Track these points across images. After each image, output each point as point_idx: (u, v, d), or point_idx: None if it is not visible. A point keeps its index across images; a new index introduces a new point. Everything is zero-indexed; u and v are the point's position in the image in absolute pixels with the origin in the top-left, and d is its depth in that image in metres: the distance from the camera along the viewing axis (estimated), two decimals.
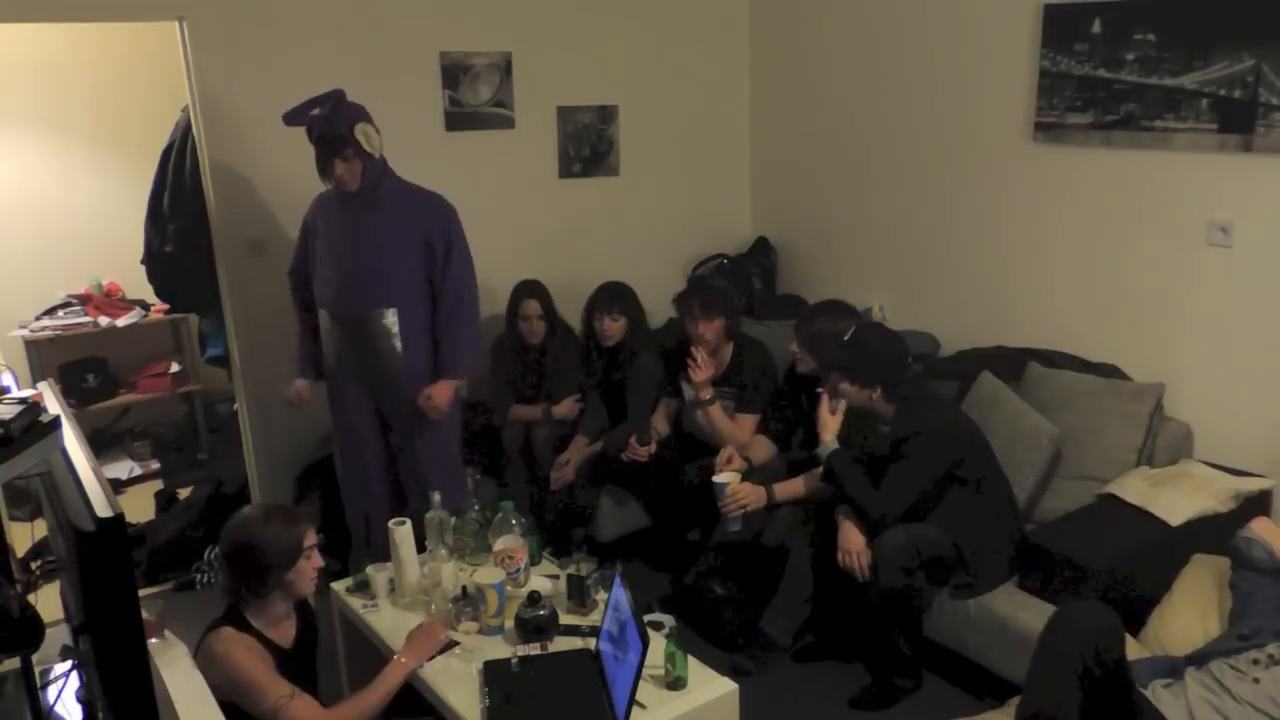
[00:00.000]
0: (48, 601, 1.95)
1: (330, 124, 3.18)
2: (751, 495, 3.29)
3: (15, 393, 1.89)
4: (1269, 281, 3.24)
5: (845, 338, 3.14)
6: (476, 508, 3.20)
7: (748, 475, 3.44)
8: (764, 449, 3.71)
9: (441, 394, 3.34)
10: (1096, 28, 3.50)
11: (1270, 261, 3.23)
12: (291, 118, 3.22)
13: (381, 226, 3.30)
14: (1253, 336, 3.31)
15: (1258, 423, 3.33)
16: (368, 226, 3.30)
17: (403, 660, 2.58)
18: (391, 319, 3.32)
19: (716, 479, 3.33)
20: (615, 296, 4.12)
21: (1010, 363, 3.75)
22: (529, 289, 4.12)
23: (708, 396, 3.70)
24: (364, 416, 3.50)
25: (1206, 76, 3.24)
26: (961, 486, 3.06)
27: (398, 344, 3.35)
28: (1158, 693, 2.40)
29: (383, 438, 3.56)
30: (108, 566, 1.36)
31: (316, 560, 2.50)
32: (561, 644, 2.71)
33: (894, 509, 3.05)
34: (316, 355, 3.53)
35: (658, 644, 2.54)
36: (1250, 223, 3.26)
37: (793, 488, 3.38)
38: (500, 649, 2.70)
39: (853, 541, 3.06)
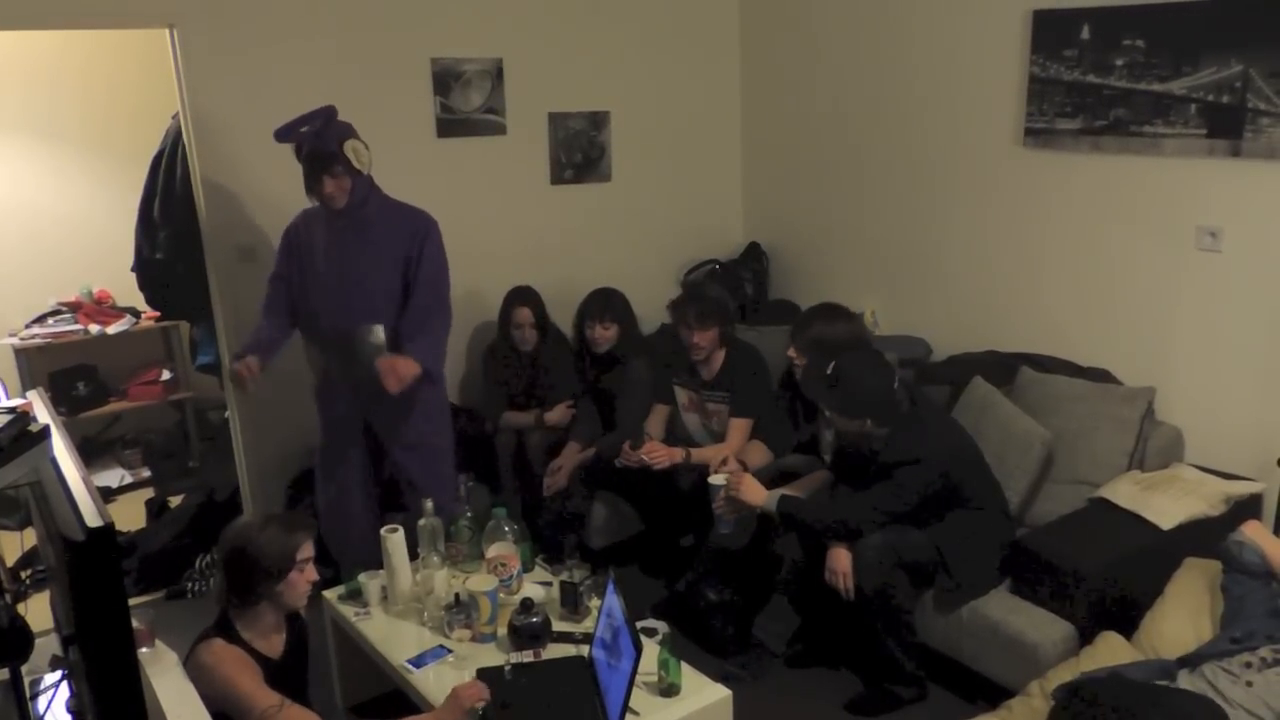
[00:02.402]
0: (37, 611, 1.94)
1: (320, 141, 3.17)
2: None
3: (5, 401, 1.88)
4: (1258, 285, 3.26)
5: (828, 371, 3.12)
6: (469, 514, 3.20)
7: None
8: (760, 454, 3.72)
9: (405, 367, 3.21)
10: (1085, 34, 3.52)
11: (1259, 265, 3.25)
12: (282, 134, 3.22)
13: (367, 244, 3.29)
14: (1242, 340, 3.33)
15: (1248, 426, 3.34)
16: (354, 244, 3.29)
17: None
18: (379, 334, 3.31)
19: (712, 480, 3.33)
20: (607, 304, 4.12)
21: (1001, 367, 3.76)
22: (520, 297, 4.12)
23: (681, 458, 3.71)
24: (352, 430, 3.49)
25: (1195, 82, 3.26)
26: (956, 505, 3.07)
27: (385, 357, 3.33)
28: None
29: (368, 450, 3.54)
30: (97, 576, 1.35)
31: (311, 574, 2.48)
32: (555, 651, 2.71)
33: (871, 524, 3.04)
34: (274, 343, 3.45)
35: (651, 651, 2.54)
36: (1239, 227, 3.28)
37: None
38: (493, 656, 2.70)
39: (840, 562, 3.05)
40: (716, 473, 3.44)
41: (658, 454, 3.63)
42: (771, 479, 3.54)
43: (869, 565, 2.99)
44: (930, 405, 3.30)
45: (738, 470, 3.36)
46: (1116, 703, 2.24)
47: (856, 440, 3.21)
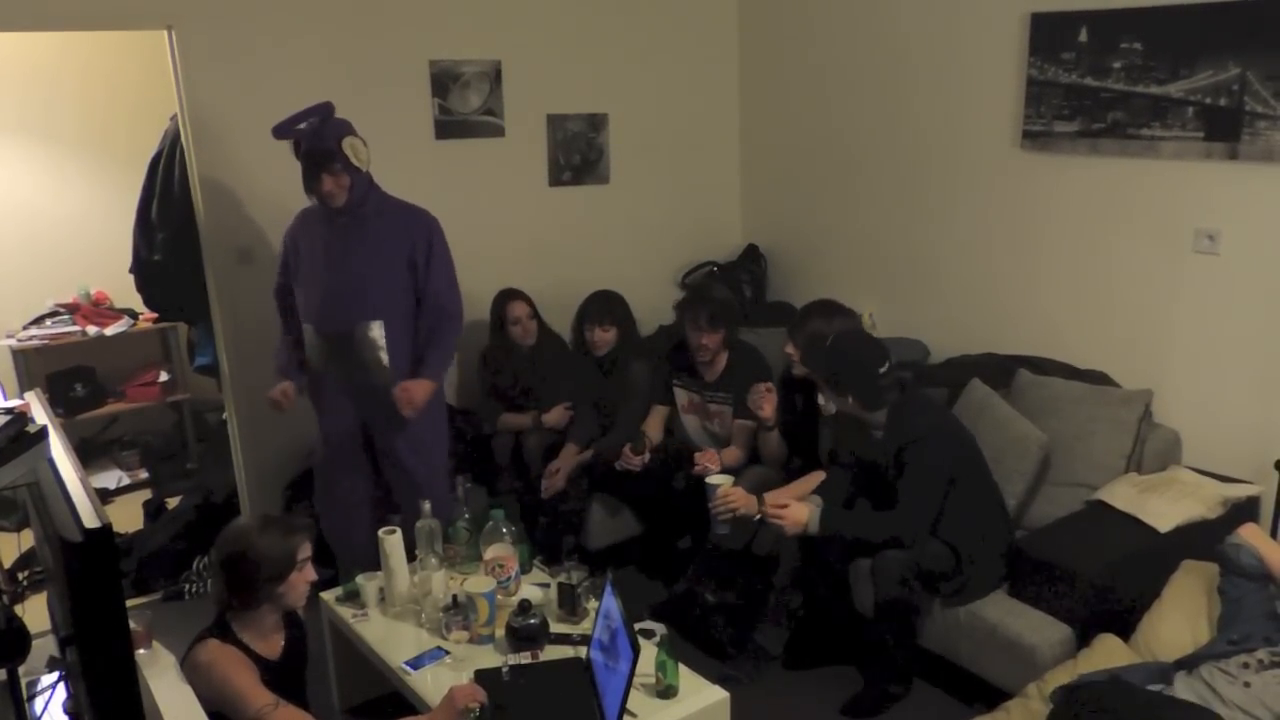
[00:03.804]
0: (35, 612, 1.94)
1: (319, 138, 3.16)
2: (742, 500, 3.28)
3: (2, 403, 1.88)
4: (1255, 288, 3.26)
5: (828, 343, 3.15)
6: (467, 516, 3.20)
7: (738, 482, 3.43)
8: (775, 447, 3.72)
9: (420, 390, 3.29)
10: (1083, 36, 3.52)
11: (1256, 268, 3.25)
12: (279, 131, 3.20)
13: (366, 242, 3.28)
14: (1240, 343, 3.33)
15: (1245, 429, 3.34)
16: (354, 242, 3.28)
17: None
18: (377, 331, 3.30)
19: (709, 480, 3.33)
20: (607, 307, 4.12)
21: (999, 370, 3.76)
22: (512, 293, 4.14)
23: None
24: (349, 429, 3.48)
25: (1192, 85, 3.27)
26: (956, 489, 3.07)
27: (384, 356, 3.33)
28: None
29: (366, 450, 3.54)
30: (95, 577, 1.35)
31: (309, 574, 2.49)
32: (552, 653, 2.71)
33: (920, 524, 3.03)
34: (300, 360, 3.51)
35: (649, 652, 2.54)
36: (1236, 230, 3.28)
37: (785, 496, 3.37)
38: (491, 658, 2.70)
39: (797, 514, 3.08)
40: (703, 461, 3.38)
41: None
42: (773, 480, 3.56)
43: (889, 576, 2.99)
44: (925, 398, 3.30)
45: (777, 503, 3.20)
46: (1118, 711, 2.24)
47: (853, 434, 3.21)
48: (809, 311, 3.63)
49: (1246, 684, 2.34)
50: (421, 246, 3.31)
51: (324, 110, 3.21)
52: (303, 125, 3.19)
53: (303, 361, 3.49)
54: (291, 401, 3.42)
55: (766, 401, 3.57)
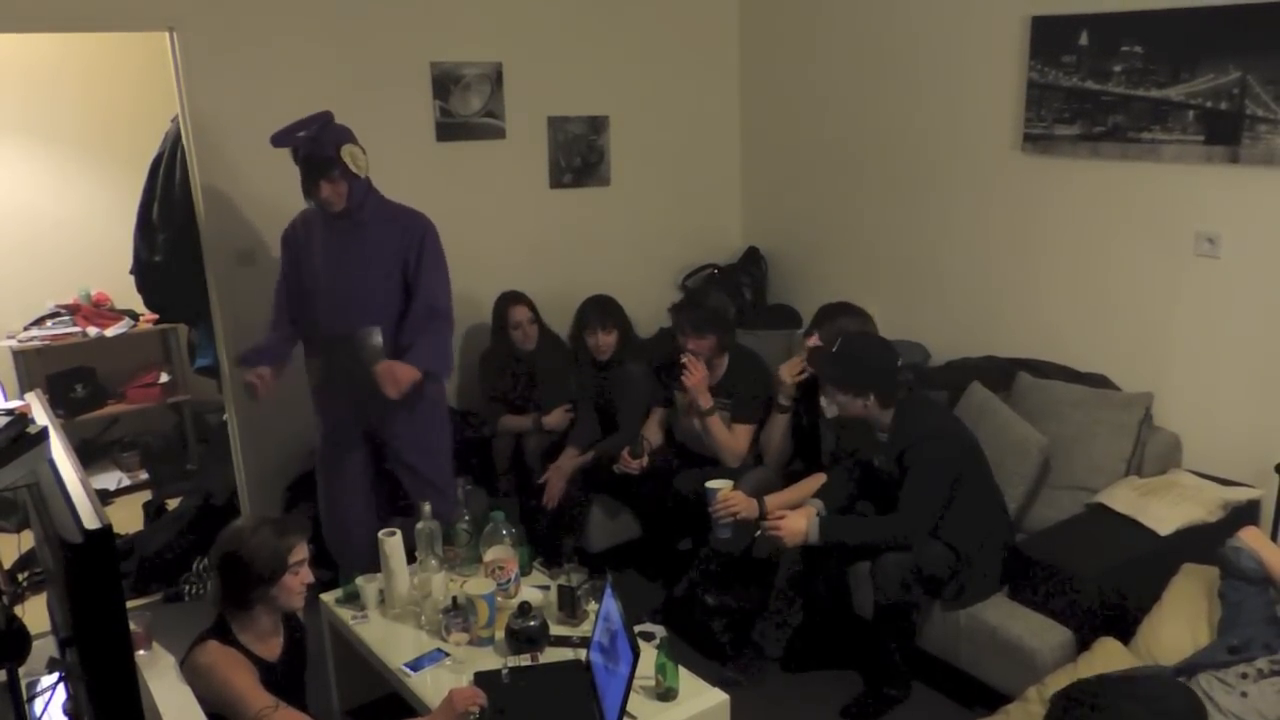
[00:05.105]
0: (35, 614, 1.94)
1: (317, 145, 3.17)
2: (742, 504, 3.28)
3: (3, 403, 1.88)
4: (1256, 291, 3.26)
5: (834, 348, 3.14)
6: (467, 518, 3.20)
7: (738, 485, 3.43)
8: (779, 436, 3.71)
9: (404, 372, 3.24)
10: (1084, 40, 3.52)
11: (1257, 271, 3.25)
12: (279, 140, 3.22)
13: (365, 247, 3.29)
14: (1240, 346, 3.33)
15: (1246, 432, 3.34)
16: (352, 247, 3.29)
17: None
18: (378, 337, 3.30)
19: (709, 484, 3.33)
20: (607, 311, 4.11)
21: (999, 373, 3.76)
22: (513, 297, 4.13)
23: (706, 406, 3.68)
24: (351, 432, 3.48)
25: (1193, 88, 3.27)
26: (959, 490, 3.07)
27: (384, 360, 3.32)
28: None
29: (367, 453, 3.54)
30: (95, 578, 1.35)
31: (305, 575, 2.48)
32: (552, 655, 2.71)
33: (920, 525, 3.02)
34: (283, 353, 3.48)
35: (648, 655, 2.54)
36: (1237, 233, 3.28)
37: (785, 499, 3.37)
38: (491, 660, 2.70)
39: (795, 524, 3.07)
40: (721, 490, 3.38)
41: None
42: (774, 483, 3.56)
43: (889, 578, 2.99)
44: (929, 400, 3.30)
45: (774, 515, 3.19)
46: (1095, 698, 2.25)
47: (858, 435, 3.21)
48: (836, 310, 3.58)
49: (1244, 693, 2.34)
50: (414, 247, 3.32)
51: (323, 118, 3.24)
52: (302, 133, 3.20)
53: (282, 353, 3.45)
54: (267, 383, 3.34)
55: (796, 365, 3.56)
